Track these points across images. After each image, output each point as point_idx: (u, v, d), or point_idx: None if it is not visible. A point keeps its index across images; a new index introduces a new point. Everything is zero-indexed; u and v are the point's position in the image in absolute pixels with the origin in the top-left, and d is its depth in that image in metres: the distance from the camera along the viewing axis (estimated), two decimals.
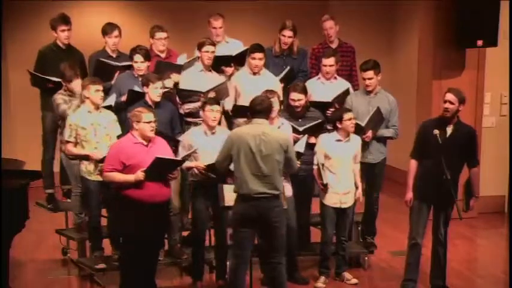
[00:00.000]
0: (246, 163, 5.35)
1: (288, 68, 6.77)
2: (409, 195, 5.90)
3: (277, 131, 5.79)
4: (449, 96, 5.72)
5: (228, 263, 6.20)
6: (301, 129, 6.28)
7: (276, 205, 5.43)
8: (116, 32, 6.89)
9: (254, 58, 6.49)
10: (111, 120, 6.20)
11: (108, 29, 6.89)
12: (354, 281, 6.41)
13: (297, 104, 6.34)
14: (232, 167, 5.51)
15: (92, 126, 6.09)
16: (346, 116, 6.13)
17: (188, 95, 6.48)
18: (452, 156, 5.65)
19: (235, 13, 9.84)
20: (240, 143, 5.37)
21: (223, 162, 5.51)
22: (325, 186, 6.17)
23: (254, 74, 6.55)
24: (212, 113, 5.94)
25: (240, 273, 5.54)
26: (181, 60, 6.83)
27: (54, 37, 7.06)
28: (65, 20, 6.94)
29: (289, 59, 6.96)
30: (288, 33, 6.87)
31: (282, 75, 6.73)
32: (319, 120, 6.36)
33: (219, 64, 6.71)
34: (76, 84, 6.42)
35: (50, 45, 7.02)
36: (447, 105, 5.71)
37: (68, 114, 6.29)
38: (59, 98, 6.46)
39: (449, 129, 5.77)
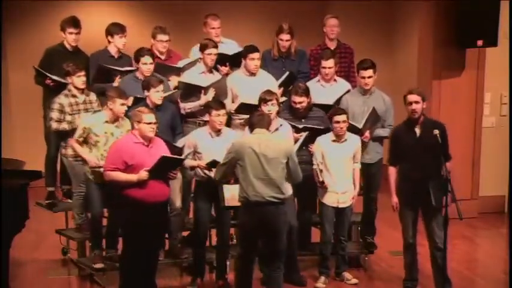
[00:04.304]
0: (252, 168, 5.36)
1: (287, 73, 6.73)
2: (394, 199, 5.94)
3: (280, 139, 5.82)
4: (413, 97, 5.76)
5: (227, 263, 6.23)
6: (301, 126, 6.28)
7: (283, 212, 5.47)
8: (125, 33, 6.88)
9: (253, 59, 6.47)
10: (125, 131, 6.06)
11: (117, 29, 6.86)
12: (354, 281, 6.41)
13: (298, 106, 6.34)
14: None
15: (104, 136, 6.04)
16: (335, 118, 6.16)
17: (188, 91, 6.45)
18: (427, 156, 5.68)
19: (235, 13, 9.86)
20: (244, 150, 5.38)
21: (227, 170, 5.51)
22: (322, 183, 6.18)
23: (252, 74, 6.53)
24: (219, 117, 5.94)
25: (248, 274, 5.60)
26: (183, 64, 6.82)
27: (55, 37, 7.04)
28: (75, 23, 6.91)
29: (288, 61, 6.92)
30: (285, 36, 6.84)
31: (281, 80, 6.68)
32: (322, 127, 6.33)
33: (215, 63, 6.67)
34: (79, 80, 6.40)
35: (57, 46, 6.98)
36: (413, 106, 5.75)
37: (56, 128, 6.36)
38: (55, 112, 6.38)
39: (417, 130, 5.81)
